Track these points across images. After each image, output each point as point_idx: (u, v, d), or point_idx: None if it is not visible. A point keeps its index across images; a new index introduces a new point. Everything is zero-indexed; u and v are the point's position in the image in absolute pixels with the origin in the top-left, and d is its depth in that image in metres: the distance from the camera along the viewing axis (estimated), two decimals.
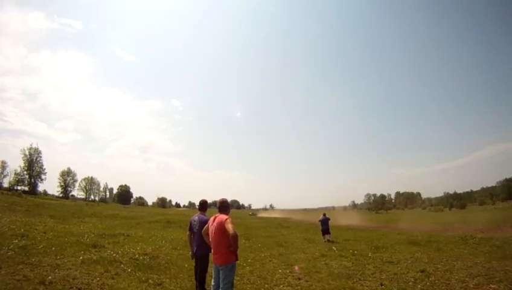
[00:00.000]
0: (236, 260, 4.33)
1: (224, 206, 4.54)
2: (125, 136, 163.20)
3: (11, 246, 8.51)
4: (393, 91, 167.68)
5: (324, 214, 17.92)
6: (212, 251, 4.45)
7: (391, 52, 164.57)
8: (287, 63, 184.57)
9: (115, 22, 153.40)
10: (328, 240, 16.12)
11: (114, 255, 8.94)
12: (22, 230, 10.73)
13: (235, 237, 3.98)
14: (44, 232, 11.23)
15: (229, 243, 4.11)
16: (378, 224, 37.76)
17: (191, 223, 5.82)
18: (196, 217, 5.76)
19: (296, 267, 9.01)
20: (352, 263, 9.62)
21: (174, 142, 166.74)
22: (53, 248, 8.88)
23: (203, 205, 5.99)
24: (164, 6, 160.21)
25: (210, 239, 4.48)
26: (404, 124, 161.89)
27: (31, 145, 78.79)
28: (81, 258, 8.17)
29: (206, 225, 4.73)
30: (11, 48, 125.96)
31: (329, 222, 17.27)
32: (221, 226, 4.20)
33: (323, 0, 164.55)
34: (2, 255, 7.74)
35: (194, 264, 6.08)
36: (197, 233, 5.48)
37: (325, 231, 16.74)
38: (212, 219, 4.60)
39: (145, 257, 9.24)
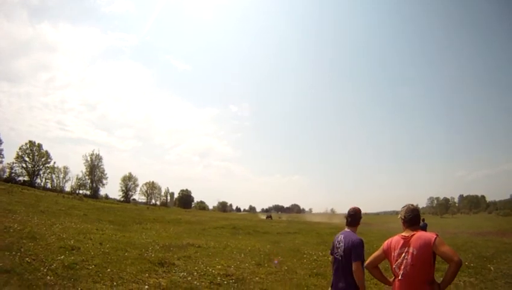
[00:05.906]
0: None
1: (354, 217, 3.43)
2: (184, 142, 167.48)
3: (54, 265, 6.11)
4: (454, 90, 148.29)
5: (423, 220, 14.33)
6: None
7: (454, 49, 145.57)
8: (349, 67, 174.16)
9: (167, 34, 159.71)
10: None
11: (189, 278, 6.88)
12: (73, 241, 8.46)
13: (459, 264, 2.43)
14: (100, 243, 8.91)
15: (433, 278, 2.58)
16: (454, 230, 32.94)
17: (333, 244, 3.69)
18: (341, 235, 3.58)
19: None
20: (476, 277, 8.09)
21: (234, 148, 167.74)
22: (108, 269, 6.31)
23: (354, 217, 3.56)
24: (215, 16, 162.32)
25: (401, 272, 2.68)
26: (467, 124, 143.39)
27: (92, 151, 78.14)
28: (146, 286, 5.50)
29: (379, 252, 3.00)
30: (69, 63, 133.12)
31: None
32: (428, 251, 2.56)
33: None
34: (38, 279, 5.28)
35: None
36: (341, 261, 3.41)
37: None
38: (397, 240, 2.82)
39: (229, 280, 6.98)
